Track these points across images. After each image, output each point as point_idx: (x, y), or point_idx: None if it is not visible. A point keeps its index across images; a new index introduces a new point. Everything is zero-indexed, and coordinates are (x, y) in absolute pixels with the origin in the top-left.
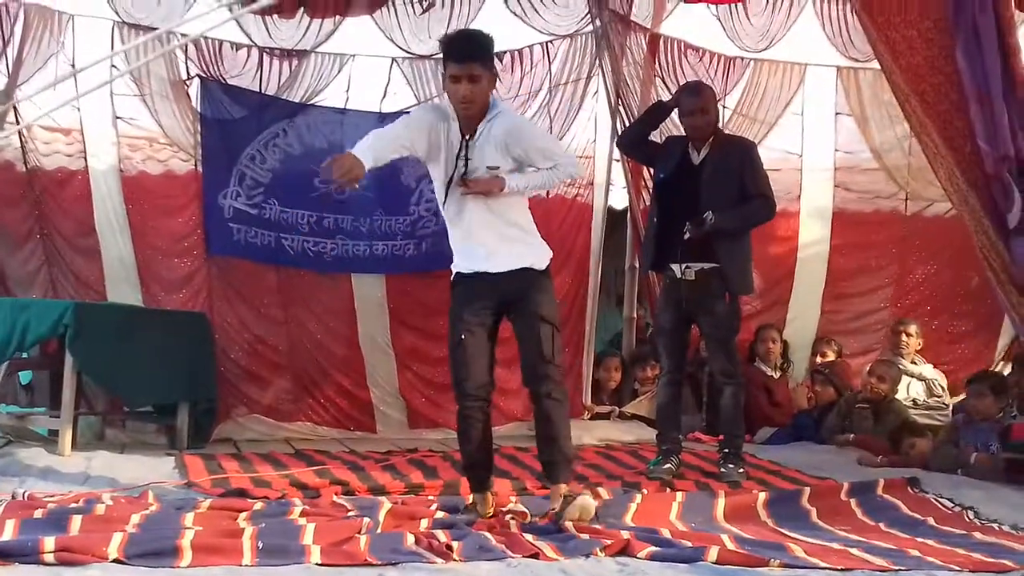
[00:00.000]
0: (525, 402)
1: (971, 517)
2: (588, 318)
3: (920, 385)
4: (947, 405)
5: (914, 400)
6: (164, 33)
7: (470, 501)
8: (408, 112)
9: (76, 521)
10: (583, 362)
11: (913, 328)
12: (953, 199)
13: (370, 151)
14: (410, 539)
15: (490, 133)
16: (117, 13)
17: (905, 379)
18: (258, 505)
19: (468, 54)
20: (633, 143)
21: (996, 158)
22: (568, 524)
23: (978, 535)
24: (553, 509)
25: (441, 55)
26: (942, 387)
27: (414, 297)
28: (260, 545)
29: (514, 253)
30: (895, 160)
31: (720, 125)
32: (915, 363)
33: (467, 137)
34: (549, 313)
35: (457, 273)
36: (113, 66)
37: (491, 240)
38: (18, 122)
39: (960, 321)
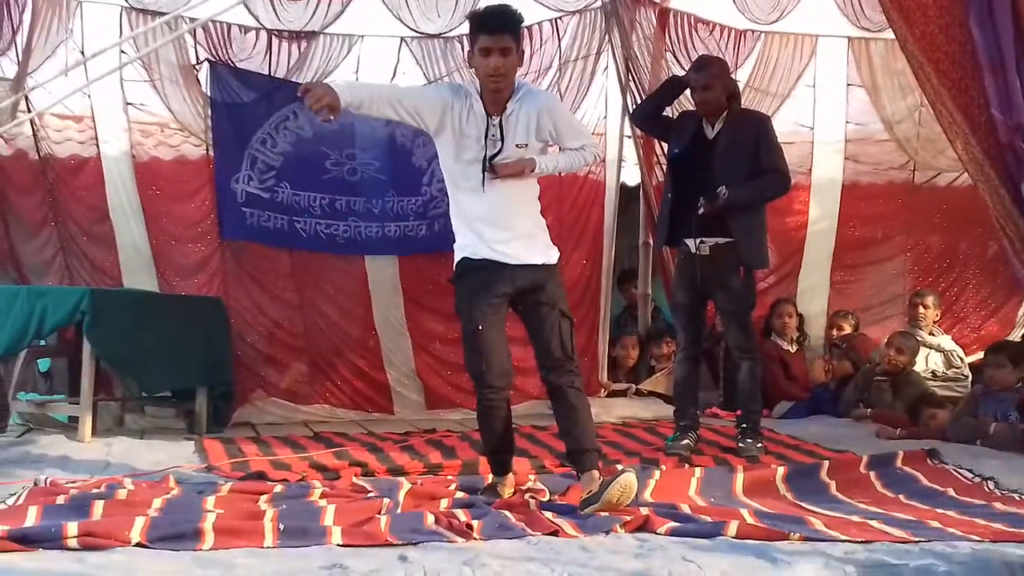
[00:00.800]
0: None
1: (991, 487)
2: (603, 295)
3: (939, 356)
4: (966, 376)
5: (933, 372)
6: (172, 18)
7: (490, 481)
8: None
9: (98, 506)
10: (599, 339)
11: (930, 299)
12: (969, 168)
13: (350, 90)
14: (430, 519)
15: (521, 111)
16: None
17: (924, 351)
18: (278, 487)
19: (500, 26)
20: (647, 118)
21: (1010, 127)
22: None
23: (998, 505)
24: (591, 491)
25: (468, 29)
26: (961, 358)
27: (427, 277)
28: (281, 527)
29: (534, 246)
30: (906, 131)
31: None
32: (933, 334)
33: (493, 116)
34: (566, 307)
35: (465, 258)
36: (122, 51)
37: (514, 229)
38: (29, 111)
39: (977, 290)
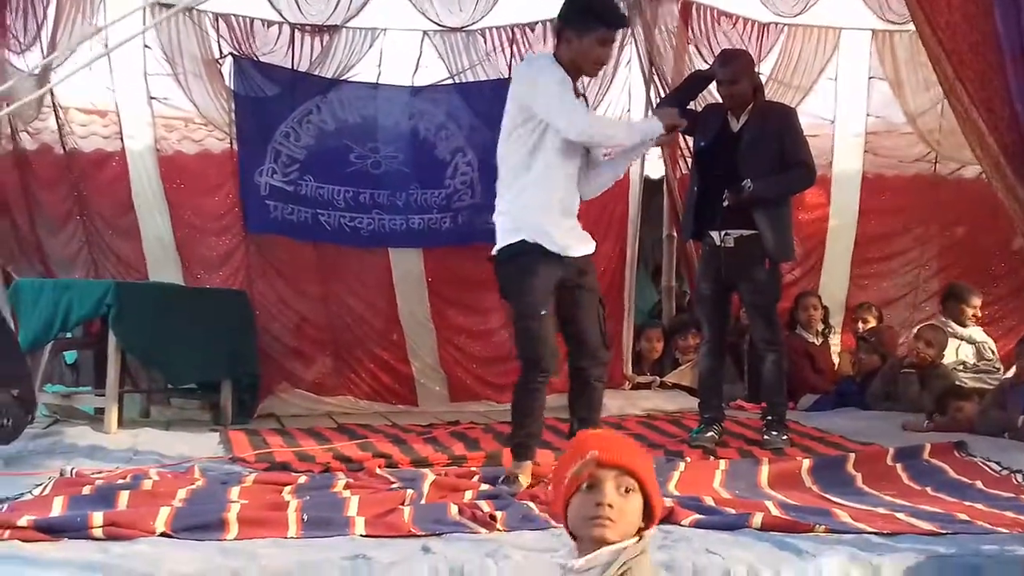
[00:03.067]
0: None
1: (1020, 480)
2: (627, 288)
3: (970, 348)
4: (997, 369)
5: (963, 363)
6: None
7: (510, 471)
8: (439, 86)
9: (123, 497)
10: (623, 332)
11: (978, 300)
12: (984, 165)
13: None
14: (453, 510)
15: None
16: None
17: (954, 342)
18: (302, 478)
19: (624, 22)
20: None
21: None
22: None
23: None
24: None
25: (576, 13)
26: (992, 350)
27: (451, 270)
28: (305, 517)
29: (583, 235)
30: (928, 123)
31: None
32: (965, 326)
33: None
34: (601, 296)
35: (523, 241)
36: (146, 47)
37: (574, 217)
38: (54, 104)
39: (998, 283)
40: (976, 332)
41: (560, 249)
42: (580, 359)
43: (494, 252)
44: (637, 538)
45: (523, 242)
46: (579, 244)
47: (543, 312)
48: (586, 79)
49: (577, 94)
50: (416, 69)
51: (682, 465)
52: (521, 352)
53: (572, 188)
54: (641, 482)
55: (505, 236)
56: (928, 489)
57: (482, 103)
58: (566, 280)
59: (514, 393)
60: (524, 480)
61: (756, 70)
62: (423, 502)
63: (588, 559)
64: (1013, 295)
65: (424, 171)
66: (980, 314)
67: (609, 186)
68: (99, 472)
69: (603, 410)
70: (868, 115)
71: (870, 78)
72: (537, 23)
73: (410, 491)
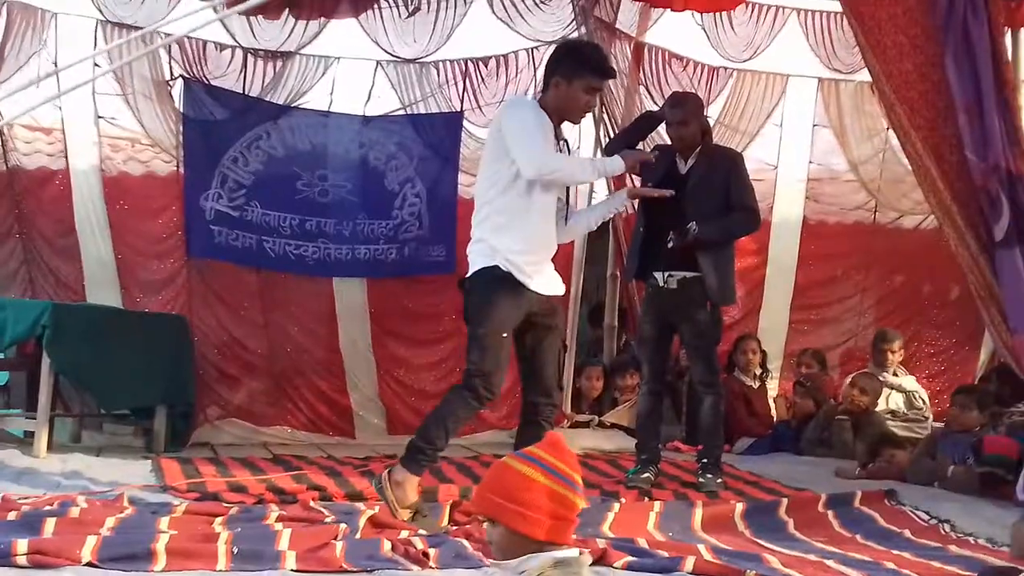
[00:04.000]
0: (503, 410)
1: (947, 530)
2: (569, 326)
3: (900, 397)
4: (927, 418)
5: (892, 411)
6: (148, 33)
7: (414, 514)
8: (391, 116)
9: (50, 524)
10: (563, 370)
11: (897, 344)
12: (936, 213)
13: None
14: (387, 546)
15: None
16: (101, 12)
17: (885, 390)
18: (234, 510)
19: (613, 74)
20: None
21: (984, 169)
22: None
23: (953, 548)
24: None
25: (567, 60)
26: (923, 399)
27: (395, 302)
28: (235, 550)
29: (554, 274)
30: (870, 172)
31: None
32: (896, 375)
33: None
34: (564, 340)
35: (496, 267)
36: (96, 64)
37: (550, 254)
38: None
39: (939, 332)
40: (907, 381)
41: (530, 283)
42: (534, 394)
43: (466, 277)
44: (578, 551)
45: (496, 267)
46: (549, 282)
47: (504, 334)
48: None
49: (558, 138)
50: (368, 99)
51: (616, 506)
52: (474, 363)
53: (548, 225)
54: (485, 515)
55: (479, 261)
56: (858, 536)
57: (433, 135)
58: (532, 315)
59: (445, 401)
60: (411, 495)
61: (705, 113)
62: (357, 537)
63: (519, 560)
64: (956, 347)
65: (372, 201)
66: (894, 356)
67: (581, 234)
68: (26, 498)
69: None
70: (811, 162)
71: (814, 125)
72: (491, 57)
73: (343, 526)
